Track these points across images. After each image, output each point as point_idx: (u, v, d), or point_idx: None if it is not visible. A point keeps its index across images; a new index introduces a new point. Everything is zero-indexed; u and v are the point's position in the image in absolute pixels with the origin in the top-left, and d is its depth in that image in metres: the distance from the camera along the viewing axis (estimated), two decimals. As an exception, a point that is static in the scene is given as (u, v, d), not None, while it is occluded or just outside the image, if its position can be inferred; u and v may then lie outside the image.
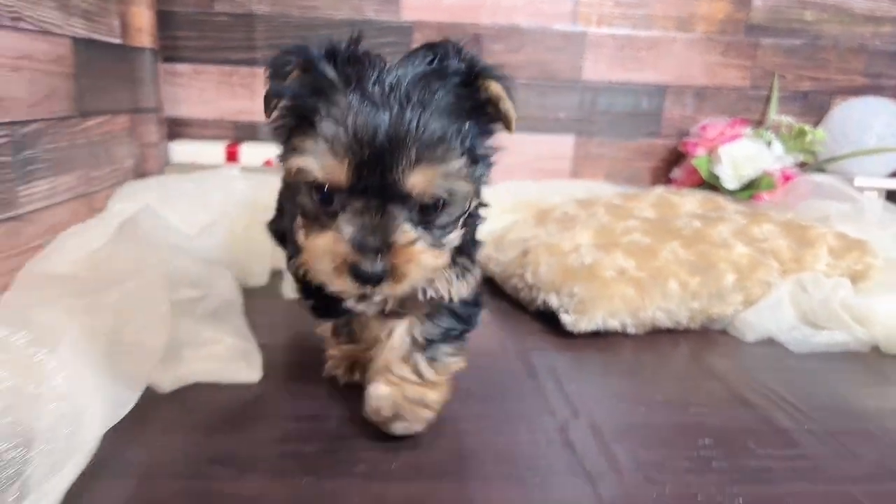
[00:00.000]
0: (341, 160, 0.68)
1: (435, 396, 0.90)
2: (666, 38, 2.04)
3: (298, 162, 0.71)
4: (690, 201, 1.70)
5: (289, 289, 1.41)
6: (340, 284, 0.71)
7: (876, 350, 1.30)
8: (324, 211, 0.72)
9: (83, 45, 1.43)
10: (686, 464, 0.90)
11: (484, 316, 1.38)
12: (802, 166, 1.94)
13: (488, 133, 0.79)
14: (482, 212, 0.90)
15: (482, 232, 1.03)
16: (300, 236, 0.76)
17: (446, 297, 0.87)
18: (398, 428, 0.88)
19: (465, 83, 0.73)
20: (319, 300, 0.91)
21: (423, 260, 0.72)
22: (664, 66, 2.07)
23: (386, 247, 0.70)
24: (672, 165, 2.10)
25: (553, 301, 1.36)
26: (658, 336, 1.35)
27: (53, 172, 1.33)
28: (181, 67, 1.96)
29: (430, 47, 0.76)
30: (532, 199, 1.91)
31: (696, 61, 2.06)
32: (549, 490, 0.82)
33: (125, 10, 1.67)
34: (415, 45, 1.91)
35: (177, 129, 1.99)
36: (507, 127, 0.78)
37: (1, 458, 0.77)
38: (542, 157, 2.10)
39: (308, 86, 0.72)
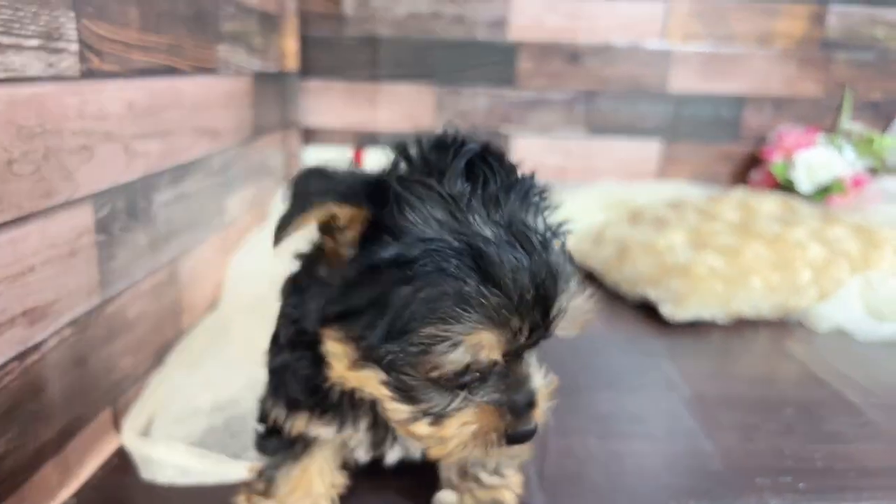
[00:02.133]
0: (517, 328, 0.59)
1: (509, 495, 0.85)
2: (746, 53, 2.25)
3: (457, 355, 0.57)
4: (768, 204, 1.92)
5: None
6: (480, 447, 0.64)
7: (934, 339, 1.52)
8: (454, 386, 0.62)
9: (259, 78, 1.74)
10: (774, 426, 1.16)
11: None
12: (873, 172, 2.13)
13: None
14: None
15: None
16: (409, 427, 0.64)
17: None
18: None
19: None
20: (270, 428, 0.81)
21: (549, 394, 0.68)
22: (744, 79, 2.28)
23: (535, 398, 0.65)
24: (749, 169, 2.32)
25: (652, 294, 1.62)
26: (742, 325, 1.60)
27: (242, 186, 1.64)
28: (314, 83, 2.25)
29: (459, 150, 0.63)
30: (623, 199, 2.15)
31: (774, 74, 2.27)
32: (673, 444, 1.09)
33: (281, 41, 1.97)
34: (519, 63, 2.18)
35: (309, 136, 2.29)
36: None
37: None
38: (631, 160, 2.35)
39: (381, 244, 0.58)
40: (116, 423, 1.05)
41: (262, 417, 0.82)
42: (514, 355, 0.62)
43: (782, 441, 1.11)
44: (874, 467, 1.04)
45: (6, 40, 0.75)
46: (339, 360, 0.64)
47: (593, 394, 1.24)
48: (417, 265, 0.56)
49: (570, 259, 0.64)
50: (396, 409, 0.63)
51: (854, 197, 2.00)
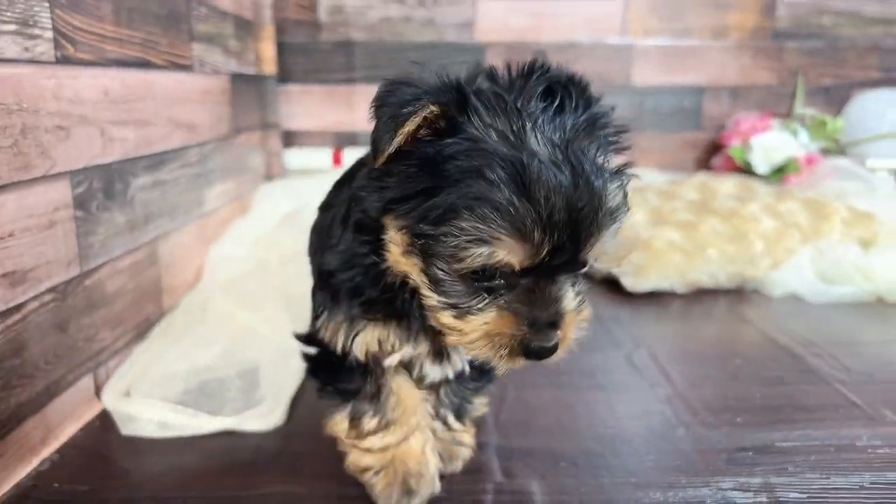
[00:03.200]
0: (539, 242, 0.60)
1: (468, 437, 0.93)
2: (703, 46, 2.36)
3: (478, 252, 0.60)
4: (727, 185, 2.00)
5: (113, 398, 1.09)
6: (506, 364, 0.67)
7: (880, 300, 1.60)
8: (483, 287, 0.65)
9: (236, 79, 1.82)
10: (722, 375, 1.23)
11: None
12: (827, 152, 2.23)
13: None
14: None
15: None
16: (437, 315, 0.68)
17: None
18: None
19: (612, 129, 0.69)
20: (332, 373, 0.84)
21: (579, 322, 0.69)
22: (702, 70, 2.38)
23: (559, 320, 0.65)
24: (712, 155, 2.41)
25: (614, 268, 1.70)
26: (701, 294, 1.68)
27: (221, 179, 1.72)
28: (293, 87, 2.34)
29: (543, 75, 0.68)
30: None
31: (730, 64, 2.37)
32: (623, 394, 1.16)
33: (258, 46, 2.06)
34: (488, 63, 2.27)
35: (290, 139, 2.38)
36: None
37: (245, 375, 1.15)
38: (598, 151, 2.43)
39: (444, 142, 0.63)
40: (98, 392, 1.11)
41: (315, 339, 0.83)
42: (543, 273, 0.63)
43: (727, 386, 1.18)
44: (808, 404, 1.11)
45: (-15, 24, 0.83)
46: (395, 246, 0.68)
47: (551, 354, 1.32)
48: (465, 164, 0.61)
49: (624, 198, 0.64)
50: (429, 297, 0.67)
51: (808, 175, 2.09)
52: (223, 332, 1.27)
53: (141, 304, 1.27)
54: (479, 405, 0.95)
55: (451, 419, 0.91)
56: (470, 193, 0.60)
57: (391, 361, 0.81)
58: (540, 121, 0.63)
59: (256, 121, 2.07)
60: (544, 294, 0.64)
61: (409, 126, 0.62)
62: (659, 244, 1.67)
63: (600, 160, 0.64)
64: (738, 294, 1.68)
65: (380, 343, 0.78)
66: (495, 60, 2.32)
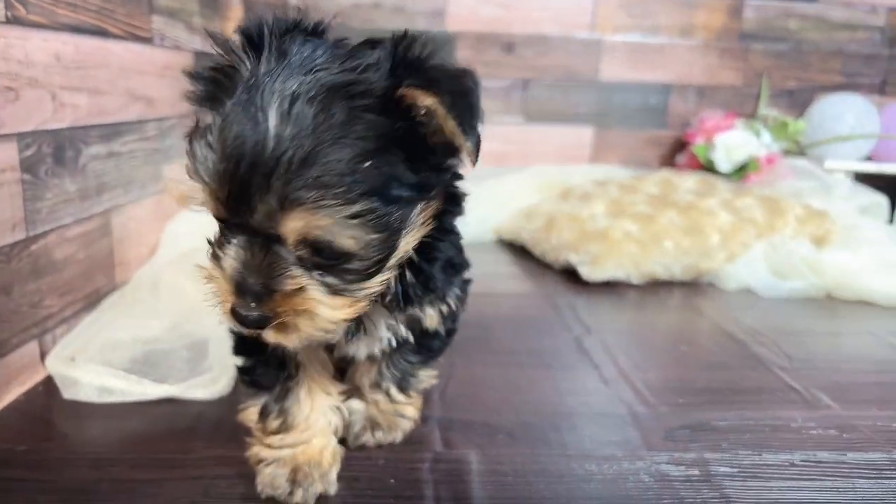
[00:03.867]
0: (212, 189, 0.58)
1: (411, 410, 0.93)
2: (670, 44, 2.39)
3: (177, 187, 0.70)
4: (688, 181, 2.03)
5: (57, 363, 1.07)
6: (229, 323, 0.64)
7: (829, 295, 1.63)
8: (217, 242, 0.64)
9: (201, 58, 1.81)
10: (667, 360, 1.25)
11: (516, 271, 1.77)
12: (787, 152, 2.27)
13: (436, 157, 0.64)
14: (450, 246, 0.79)
15: (500, 216, 1.33)
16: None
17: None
18: (375, 438, 0.89)
19: (393, 101, 0.60)
20: (251, 350, 0.80)
21: (319, 311, 0.62)
22: (669, 68, 2.41)
23: (267, 292, 0.60)
24: (676, 152, 2.44)
25: (573, 258, 1.72)
26: (657, 286, 1.70)
27: (182, 157, 1.71)
28: (261, 72, 2.33)
29: (373, 42, 0.64)
30: (557, 181, 2.26)
31: (697, 64, 2.40)
32: (568, 373, 1.18)
33: (224, 27, 2.05)
34: (457, 52, 2.29)
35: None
36: (465, 152, 0.62)
37: (192, 346, 1.15)
38: (566, 145, 2.46)
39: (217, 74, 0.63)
40: (43, 358, 1.10)
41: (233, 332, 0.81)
42: (251, 235, 0.60)
43: (671, 370, 1.21)
44: (748, 387, 1.14)
45: (-71, -24, 0.82)
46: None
47: (502, 336, 1.33)
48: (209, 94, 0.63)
49: (367, 178, 0.58)
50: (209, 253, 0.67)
51: (768, 174, 2.12)
52: (174, 305, 1.26)
53: (91, 275, 1.26)
54: (425, 377, 0.95)
55: (393, 391, 0.91)
56: (196, 144, 0.61)
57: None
58: (300, 69, 0.59)
59: (223, 101, 2.06)
60: (256, 259, 0.60)
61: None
62: (616, 234, 1.69)
63: (338, 123, 0.57)
64: (693, 286, 1.71)
65: None
66: (464, 51, 2.33)
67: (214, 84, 0.63)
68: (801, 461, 0.91)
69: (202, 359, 1.12)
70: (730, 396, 1.10)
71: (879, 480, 0.87)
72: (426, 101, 0.59)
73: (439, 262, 0.77)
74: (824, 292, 1.63)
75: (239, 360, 0.84)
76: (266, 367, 0.81)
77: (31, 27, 1.04)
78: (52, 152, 1.11)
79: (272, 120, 0.56)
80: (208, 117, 0.61)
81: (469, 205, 0.78)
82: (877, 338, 1.39)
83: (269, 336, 0.63)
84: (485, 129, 0.63)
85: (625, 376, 1.16)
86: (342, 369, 0.93)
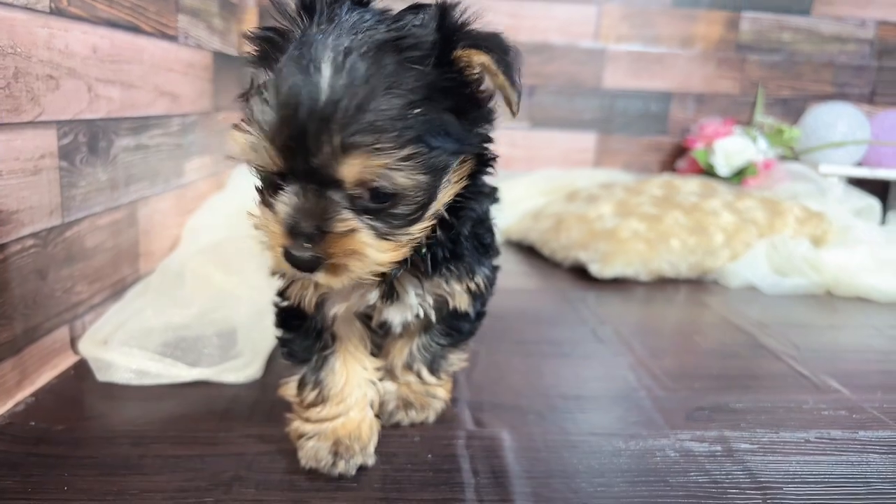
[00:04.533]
0: (270, 143, 0.61)
1: (441, 391, 0.96)
2: (671, 53, 2.46)
3: (231, 145, 0.65)
4: (691, 184, 2.08)
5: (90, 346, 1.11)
6: (284, 267, 0.66)
7: (828, 292, 1.69)
8: (267, 193, 0.67)
9: (219, 57, 1.84)
10: (681, 349, 1.30)
11: (527, 269, 1.81)
12: (783, 158, 2.34)
13: (473, 115, 0.69)
14: (489, 206, 0.83)
15: (508, 218, 1.38)
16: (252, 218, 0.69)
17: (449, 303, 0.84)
18: (409, 417, 0.93)
19: (439, 56, 0.64)
20: (293, 323, 0.84)
21: (368, 252, 0.65)
22: (670, 77, 2.47)
23: (320, 234, 0.63)
24: (677, 158, 2.50)
25: (582, 256, 1.76)
26: (664, 283, 1.75)
27: (200, 153, 1.74)
28: (270, 75, 2.37)
29: (416, 7, 0.68)
30: (562, 185, 2.31)
31: (696, 73, 2.47)
32: (587, 361, 1.22)
33: (241, 28, 2.09)
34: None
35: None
36: (508, 105, 0.68)
37: (222, 333, 1.17)
38: (570, 150, 2.52)
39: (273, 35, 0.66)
40: (73, 343, 1.12)
41: (276, 306, 0.86)
42: (306, 182, 0.63)
43: (685, 357, 1.25)
44: (761, 374, 1.18)
45: (-15, -35, 0.85)
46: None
47: (521, 327, 1.37)
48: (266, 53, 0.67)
49: (415, 125, 0.62)
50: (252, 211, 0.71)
51: (765, 178, 2.19)
52: (201, 293, 1.28)
53: (118, 264, 1.28)
54: (456, 360, 0.97)
55: (424, 373, 0.94)
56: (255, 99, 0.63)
57: (337, 310, 0.81)
58: (350, 29, 0.63)
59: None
60: (309, 204, 0.63)
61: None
62: (624, 234, 1.74)
63: (389, 75, 0.61)
64: (698, 283, 1.76)
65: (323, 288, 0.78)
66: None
67: (269, 43, 0.66)
68: (816, 438, 0.95)
69: (232, 345, 1.14)
70: (744, 382, 1.14)
71: (890, 455, 0.91)
72: (480, 58, 0.64)
73: (469, 222, 0.78)
74: (824, 289, 1.68)
75: (279, 332, 0.86)
76: (304, 339, 0.84)
77: (72, 19, 1.07)
78: (86, 141, 1.14)
79: (326, 71, 0.60)
80: (263, 77, 0.64)
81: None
82: (877, 330, 1.44)
83: (320, 278, 0.66)
84: (492, 134, 0.73)
85: (642, 363, 1.20)
86: (377, 346, 0.95)
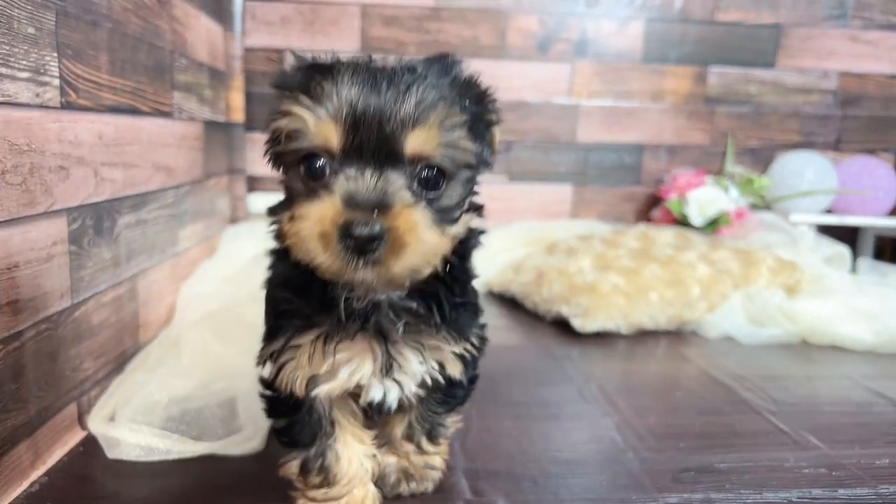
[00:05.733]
0: (334, 118, 0.65)
1: (438, 460, 0.98)
2: (642, 107, 2.57)
3: (286, 123, 0.67)
4: (666, 235, 2.17)
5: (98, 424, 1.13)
6: (330, 257, 0.65)
7: (803, 341, 1.77)
8: (315, 184, 0.68)
9: (208, 126, 1.91)
10: (664, 406, 1.35)
11: (511, 323, 1.86)
12: (754, 207, 2.45)
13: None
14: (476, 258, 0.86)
15: (488, 270, 1.44)
16: (283, 225, 0.72)
17: (440, 377, 0.86)
18: (410, 488, 0.97)
19: (473, 97, 0.74)
20: (287, 410, 0.85)
21: (424, 234, 0.67)
22: (642, 130, 2.59)
23: (384, 206, 0.65)
24: (651, 207, 2.60)
25: (564, 310, 1.82)
26: (644, 336, 1.81)
27: (193, 221, 1.79)
28: (258, 135, 2.43)
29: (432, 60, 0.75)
30: (541, 236, 2.38)
31: (667, 125, 2.59)
32: (575, 422, 1.27)
33: (228, 95, 2.16)
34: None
35: (253, 183, 2.46)
36: (491, 159, 0.78)
37: (223, 404, 1.21)
38: (547, 202, 2.61)
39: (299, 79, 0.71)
40: (81, 420, 1.15)
41: (264, 387, 0.87)
42: (367, 162, 0.66)
43: (669, 415, 1.30)
44: (742, 431, 1.24)
45: (4, 70, 0.91)
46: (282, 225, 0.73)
47: (509, 387, 1.42)
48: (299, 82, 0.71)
49: (463, 109, 0.70)
50: (281, 218, 0.73)
51: (738, 227, 2.29)
52: (199, 364, 1.32)
53: (121, 338, 1.32)
54: (452, 424, 0.99)
55: (424, 443, 0.96)
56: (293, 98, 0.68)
57: (330, 391, 0.82)
58: (386, 79, 0.68)
59: (224, 166, 2.15)
60: (369, 182, 0.66)
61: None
62: (604, 287, 1.81)
63: (435, 81, 0.69)
64: (677, 335, 1.83)
65: (315, 362, 0.79)
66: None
67: (312, 71, 0.70)
68: (798, 498, 1.01)
69: (234, 416, 1.18)
70: (727, 440, 1.20)
71: (867, 513, 0.97)
72: (496, 133, 0.78)
73: (470, 270, 0.84)
74: (799, 338, 1.76)
75: (272, 422, 0.89)
76: (303, 426, 0.86)
77: (81, 111, 1.13)
78: (92, 224, 1.18)
79: (386, 78, 0.67)
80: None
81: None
82: (852, 381, 1.51)
83: (382, 256, 0.65)
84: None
85: (628, 423, 1.25)
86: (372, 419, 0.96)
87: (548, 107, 2.54)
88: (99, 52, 1.19)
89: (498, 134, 0.78)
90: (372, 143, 0.65)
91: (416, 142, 0.66)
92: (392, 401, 0.87)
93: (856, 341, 1.68)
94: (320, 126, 0.66)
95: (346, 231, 0.63)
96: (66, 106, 1.08)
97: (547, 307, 1.89)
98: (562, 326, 1.84)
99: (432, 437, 0.96)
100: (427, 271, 0.72)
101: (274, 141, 0.72)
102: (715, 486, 1.03)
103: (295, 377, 0.81)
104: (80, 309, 1.15)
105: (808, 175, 2.36)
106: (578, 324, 1.76)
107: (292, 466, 0.88)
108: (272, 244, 0.82)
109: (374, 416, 0.95)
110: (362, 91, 0.66)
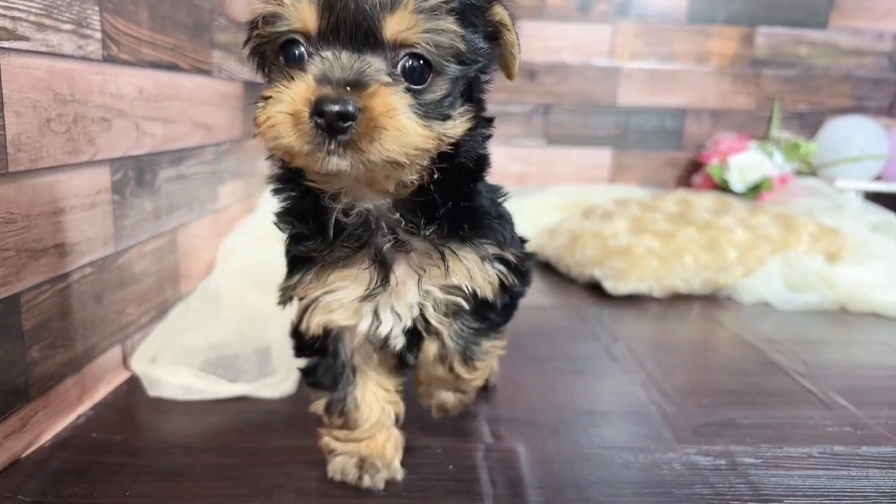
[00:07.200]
0: (320, 3, 0.62)
1: (468, 387, 0.95)
2: (685, 70, 2.51)
3: (264, 6, 0.64)
4: (705, 200, 2.14)
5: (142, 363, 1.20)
6: (300, 139, 0.61)
7: (842, 308, 1.73)
8: (293, 71, 0.64)
9: (248, 86, 1.94)
10: (691, 365, 1.35)
11: (543, 286, 1.87)
12: (799, 173, 2.38)
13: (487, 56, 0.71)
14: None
15: (534, 227, 1.45)
16: (257, 117, 0.65)
17: (467, 290, 0.79)
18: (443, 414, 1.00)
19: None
20: (312, 352, 0.87)
21: (403, 120, 0.62)
22: (684, 93, 2.53)
23: (359, 84, 0.61)
24: (692, 173, 2.56)
25: (597, 273, 1.82)
26: (677, 299, 1.80)
27: (233, 179, 1.84)
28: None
29: None
30: (578, 201, 2.37)
31: (711, 89, 2.53)
32: (599, 377, 1.28)
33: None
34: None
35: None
36: (508, 67, 0.75)
37: (258, 351, 1.26)
38: (586, 166, 2.58)
39: None
40: (125, 361, 1.22)
41: (294, 331, 0.88)
42: (345, 45, 0.63)
43: (696, 374, 1.31)
44: (768, 390, 1.23)
45: (47, 21, 0.95)
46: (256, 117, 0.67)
47: (536, 343, 1.44)
48: None
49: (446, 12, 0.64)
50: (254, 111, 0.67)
51: (780, 193, 2.23)
52: (237, 313, 1.38)
53: (161, 287, 1.38)
54: (490, 347, 0.90)
55: (457, 366, 0.88)
56: None
57: (357, 343, 0.84)
58: None
59: (265, 126, 2.19)
60: (347, 62, 0.62)
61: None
62: (638, 251, 1.80)
63: None
64: (712, 300, 1.81)
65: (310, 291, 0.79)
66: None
67: None
68: (819, 453, 1.01)
69: (268, 362, 1.23)
70: (751, 398, 1.20)
71: (891, 471, 0.96)
72: (507, 21, 0.72)
73: (476, 179, 0.79)
74: (837, 305, 1.73)
75: (301, 363, 0.91)
76: (326, 370, 0.88)
77: (122, 64, 1.17)
78: (134, 176, 1.23)
79: None
80: None
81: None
82: (889, 347, 1.48)
83: (350, 145, 0.61)
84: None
85: (653, 380, 1.26)
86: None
87: (588, 69, 2.50)
88: (139, 8, 1.23)
89: (518, 54, 0.73)
90: (349, 24, 0.61)
91: (395, 26, 0.62)
92: (396, 338, 0.83)
93: (896, 308, 1.64)
94: (297, 6, 0.62)
95: (316, 108, 0.60)
96: (108, 59, 1.12)
97: (580, 270, 1.90)
98: (594, 289, 1.84)
99: (467, 359, 0.88)
100: (410, 171, 0.68)
101: (253, 31, 0.68)
102: (735, 440, 1.04)
103: (311, 319, 0.81)
104: (123, 256, 1.20)
105: (858, 141, 2.28)
106: (610, 286, 1.76)
107: (320, 404, 0.91)
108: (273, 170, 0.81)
109: (395, 361, 0.92)
110: None
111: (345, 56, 0.62)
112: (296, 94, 0.61)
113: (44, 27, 0.94)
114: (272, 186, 0.83)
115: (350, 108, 0.59)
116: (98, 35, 1.09)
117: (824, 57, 2.52)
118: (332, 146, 0.61)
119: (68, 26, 1.00)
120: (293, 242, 0.82)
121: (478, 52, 0.68)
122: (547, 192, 2.46)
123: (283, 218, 0.82)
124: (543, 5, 2.44)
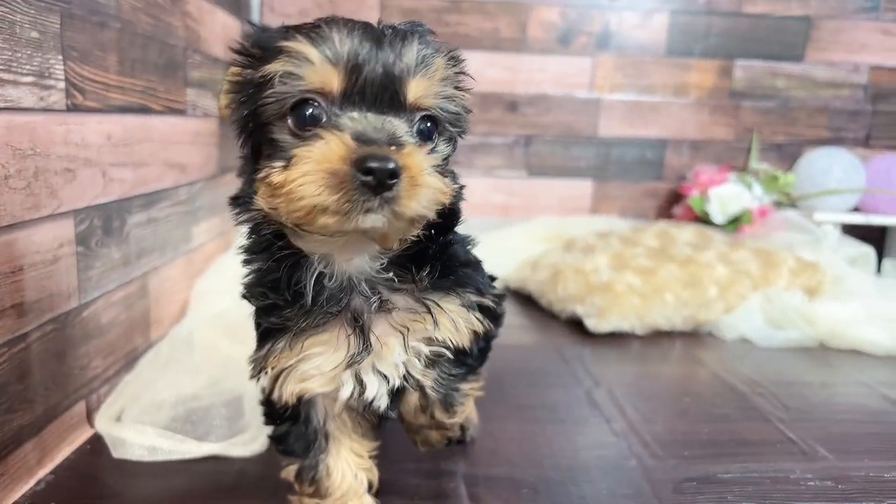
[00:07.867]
0: (335, 59, 0.63)
1: (450, 426, 0.96)
2: (665, 102, 2.52)
3: (281, 66, 0.64)
4: (686, 233, 2.14)
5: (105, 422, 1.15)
6: (341, 198, 0.60)
7: (822, 345, 1.72)
8: (310, 131, 0.64)
9: (222, 122, 1.91)
10: (672, 412, 1.33)
11: (524, 322, 1.85)
12: (778, 204, 2.39)
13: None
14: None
15: (507, 265, 1.43)
16: (269, 180, 0.64)
17: (450, 341, 0.81)
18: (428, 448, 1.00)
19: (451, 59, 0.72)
20: (283, 420, 0.85)
21: (431, 177, 0.65)
22: (664, 124, 2.54)
23: (398, 144, 0.63)
24: (672, 204, 2.56)
25: (578, 310, 1.81)
26: (659, 336, 1.79)
27: (208, 217, 1.80)
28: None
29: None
30: (560, 232, 2.36)
31: (690, 120, 2.54)
32: (581, 427, 1.26)
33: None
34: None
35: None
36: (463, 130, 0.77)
37: (229, 403, 1.22)
38: (567, 197, 2.58)
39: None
40: (89, 418, 1.18)
41: (264, 398, 0.86)
42: (369, 106, 0.65)
43: (677, 422, 1.28)
44: (749, 439, 1.21)
45: (6, 76, 0.92)
46: (261, 184, 0.67)
47: (516, 390, 1.41)
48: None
49: (450, 66, 0.70)
50: (269, 172, 0.65)
51: (760, 226, 2.24)
52: (208, 362, 1.34)
53: (131, 335, 1.34)
54: (468, 390, 0.93)
55: (438, 413, 0.91)
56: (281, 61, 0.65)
57: (337, 409, 0.84)
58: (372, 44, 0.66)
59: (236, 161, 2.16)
60: (376, 122, 0.64)
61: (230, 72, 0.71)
62: (619, 287, 1.78)
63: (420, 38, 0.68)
64: (693, 336, 1.80)
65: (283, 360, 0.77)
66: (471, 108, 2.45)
67: (294, 30, 0.67)
68: (800, 512, 0.99)
69: (239, 416, 1.19)
70: (733, 449, 1.18)
71: (873, 529, 0.95)
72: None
73: (456, 234, 0.81)
74: (817, 342, 1.72)
75: (270, 430, 0.89)
76: (297, 437, 0.86)
77: (88, 112, 1.14)
78: (101, 224, 1.20)
79: (378, 30, 0.67)
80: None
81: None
82: (869, 388, 1.47)
83: (377, 217, 0.62)
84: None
85: (634, 429, 1.24)
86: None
87: (569, 101, 2.50)
88: (107, 53, 1.20)
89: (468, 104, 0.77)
90: (375, 87, 0.64)
91: (418, 89, 0.66)
92: (380, 398, 0.81)
93: (875, 345, 1.64)
94: (321, 67, 0.63)
95: (362, 166, 0.60)
96: (73, 108, 1.09)
97: (561, 306, 1.88)
98: (576, 326, 1.82)
99: (447, 406, 0.91)
100: (419, 226, 0.70)
101: (247, 91, 0.67)
102: (716, 498, 1.01)
103: (285, 386, 0.79)
104: (88, 308, 1.16)
105: (835, 172, 2.29)
106: (592, 324, 1.75)
107: (291, 470, 0.89)
108: (241, 241, 0.80)
109: (376, 422, 0.91)
110: (361, 38, 0.65)
111: (371, 117, 0.64)
112: (330, 152, 0.61)
113: (2, 82, 0.91)
114: (242, 258, 0.80)
115: (396, 166, 0.61)
116: (62, 85, 1.06)
117: (801, 89, 2.54)
118: (374, 203, 0.61)
119: (28, 79, 0.97)
120: (264, 314, 0.79)
121: (464, 118, 0.75)
122: (530, 224, 2.45)
123: (254, 290, 0.79)
124: (525, 38, 2.44)
